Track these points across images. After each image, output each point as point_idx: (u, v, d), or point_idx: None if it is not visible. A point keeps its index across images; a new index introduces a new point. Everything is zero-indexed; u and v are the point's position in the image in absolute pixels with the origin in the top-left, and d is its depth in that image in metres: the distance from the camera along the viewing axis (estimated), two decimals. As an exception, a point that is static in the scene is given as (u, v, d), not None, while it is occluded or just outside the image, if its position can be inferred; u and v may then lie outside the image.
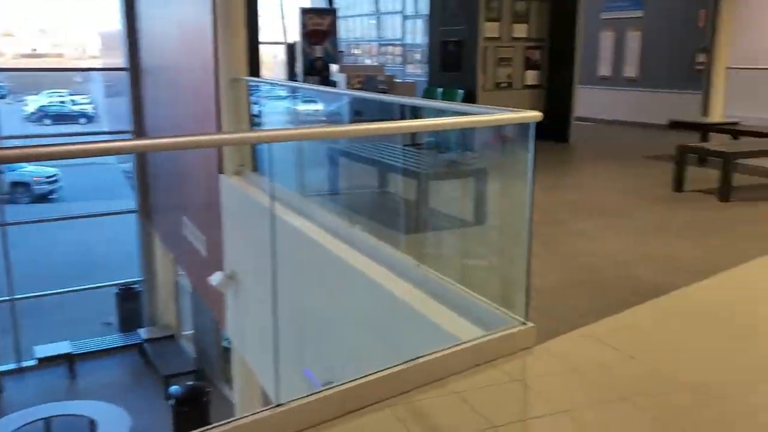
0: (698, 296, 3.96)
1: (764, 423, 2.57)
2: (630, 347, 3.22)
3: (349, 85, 13.38)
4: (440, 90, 10.33)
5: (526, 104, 10.82)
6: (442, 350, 2.91)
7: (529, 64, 10.79)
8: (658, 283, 4.16)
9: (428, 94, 10.46)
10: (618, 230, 5.49)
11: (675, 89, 12.21)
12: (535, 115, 3.10)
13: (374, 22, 21.45)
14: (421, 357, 2.85)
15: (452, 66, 10.28)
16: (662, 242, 5.11)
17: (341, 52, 19.77)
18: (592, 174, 8.26)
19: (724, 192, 6.41)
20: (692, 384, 2.86)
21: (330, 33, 17.21)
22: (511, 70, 10.61)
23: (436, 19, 10.54)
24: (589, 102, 13.67)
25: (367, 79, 13.48)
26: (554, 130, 10.88)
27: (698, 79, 11.83)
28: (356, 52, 22.53)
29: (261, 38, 9.33)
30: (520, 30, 10.60)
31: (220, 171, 7.59)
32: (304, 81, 16.79)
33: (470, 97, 9.85)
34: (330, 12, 17.46)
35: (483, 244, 5.02)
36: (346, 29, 22.03)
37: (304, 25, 16.84)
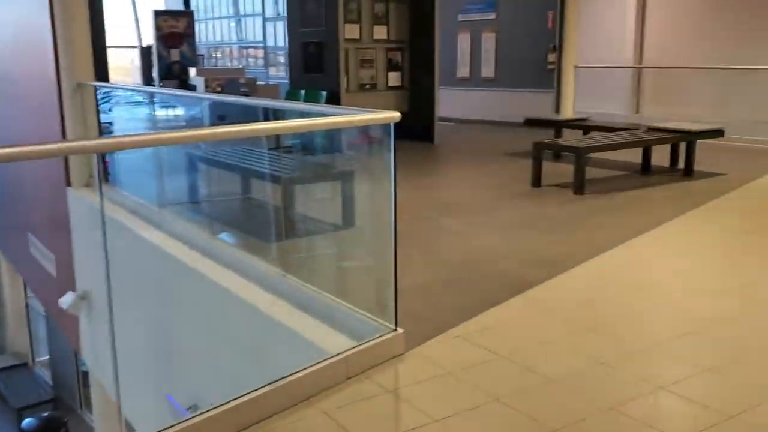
0: (562, 289, 4.04)
1: (633, 414, 2.61)
2: (501, 346, 3.21)
3: (209, 89, 12.92)
4: (303, 92, 10.15)
5: (390, 105, 10.88)
6: (311, 366, 2.76)
7: (392, 66, 10.86)
8: (522, 277, 4.22)
9: (291, 96, 10.26)
10: (484, 227, 5.56)
11: (530, 88, 12.75)
12: (394, 115, 3.01)
13: (234, 24, 20.88)
14: (288, 376, 2.68)
15: (314, 68, 10.14)
16: (525, 237, 5.23)
17: (201, 55, 19.13)
18: (457, 172, 8.40)
19: (579, 185, 6.70)
20: (562, 378, 2.87)
21: (187, 36, 16.58)
22: (373, 71, 10.63)
23: (295, 21, 10.36)
24: (450, 103, 14.00)
25: (227, 82, 13.06)
26: (419, 130, 11.02)
27: (551, 78, 12.42)
28: (217, 55, 21.84)
29: (115, 41, 8.74)
30: (381, 32, 10.64)
31: (68, 183, 7.01)
32: (161, 86, 16.08)
33: (334, 99, 9.76)
34: (186, 14, 16.80)
35: (352, 249, 4.91)
36: (206, 32, 21.32)
37: (158, 28, 16.13)
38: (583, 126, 8.98)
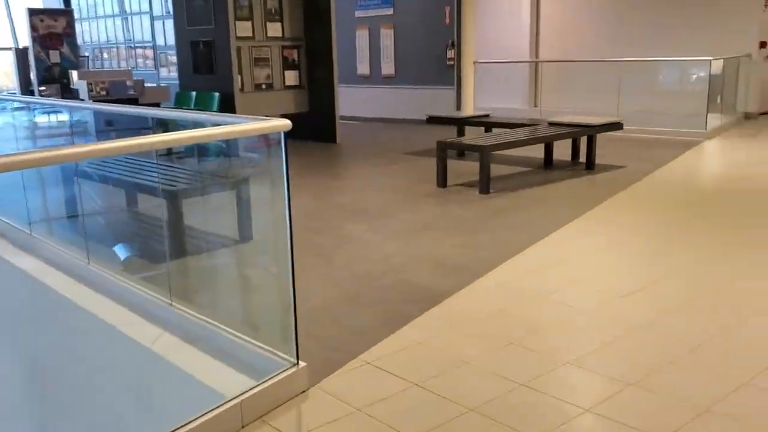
0: (474, 299, 3.82)
1: (556, 441, 2.39)
2: (415, 371, 2.93)
3: (92, 93, 12.08)
4: (194, 94, 9.59)
5: (288, 105, 10.47)
6: (200, 416, 2.38)
7: (288, 64, 10.44)
8: (432, 288, 3.97)
9: (181, 99, 9.67)
10: (389, 232, 5.29)
11: (431, 85, 12.64)
12: (284, 124, 2.67)
13: (121, 23, 19.77)
14: (177, 428, 2.29)
15: (205, 68, 9.59)
16: (432, 241, 4.99)
17: (85, 57, 17.99)
18: (360, 174, 8.11)
19: (484, 185, 6.55)
20: (482, 406, 2.62)
21: (67, 36, 15.51)
22: (269, 70, 10.18)
23: (182, 19, 9.76)
24: (352, 101, 13.73)
25: (112, 85, 12.25)
26: (321, 130, 10.68)
27: (451, 74, 12.36)
28: (105, 56, 20.63)
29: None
30: (275, 29, 10.21)
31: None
32: (40, 90, 14.98)
33: (227, 101, 9.26)
34: (64, 12, 15.72)
35: (249, 267, 4.52)
36: (90, 32, 20.09)
37: (34, 28, 14.99)
38: (485, 123, 8.89)
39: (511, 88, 14.38)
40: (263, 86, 10.14)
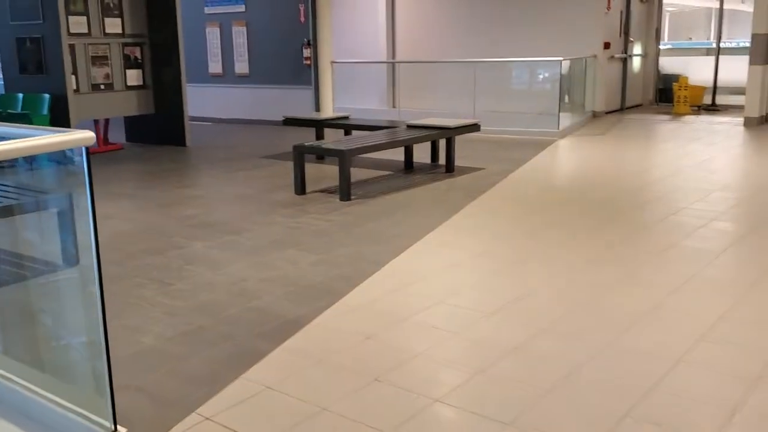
0: (333, 328, 3.45)
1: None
2: (261, 427, 2.51)
3: None
4: (21, 96, 8.56)
5: (131, 107, 9.66)
6: None
7: (130, 63, 9.61)
8: (286, 315, 3.56)
9: (5, 101, 8.61)
10: (240, 250, 4.81)
11: (288, 84, 12.17)
12: (86, 137, 2.16)
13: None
14: None
15: (33, 67, 8.58)
16: (287, 259, 4.58)
17: None
18: (211, 182, 7.53)
19: (344, 191, 6.21)
20: (339, 467, 2.25)
21: None
22: (108, 69, 9.31)
23: (5, 13, 8.68)
24: (203, 101, 12.98)
25: None
26: (168, 133, 9.94)
27: (308, 74, 11.95)
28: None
29: None
30: (114, 25, 9.35)
31: None
32: None
33: (60, 102, 8.33)
34: None
35: (71, 299, 3.89)
36: None
37: None
38: (344, 125, 8.57)
39: (369, 89, 14.20)
40: (102, 86, 9.25)
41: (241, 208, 6.14)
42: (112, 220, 5.84)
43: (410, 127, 7.72)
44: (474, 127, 7.74)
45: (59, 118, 8.32)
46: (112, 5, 9.28)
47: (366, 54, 14.09)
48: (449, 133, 7.43)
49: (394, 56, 14.58)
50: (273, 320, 3.54)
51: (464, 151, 8.55)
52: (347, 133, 8.67)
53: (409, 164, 7.92)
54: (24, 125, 2.30)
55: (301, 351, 3.17)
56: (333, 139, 7.65)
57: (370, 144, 6.61)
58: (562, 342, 3.21)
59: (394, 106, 14.77)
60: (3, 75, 9.04)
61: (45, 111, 8.23)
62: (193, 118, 12.69)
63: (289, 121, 8.85)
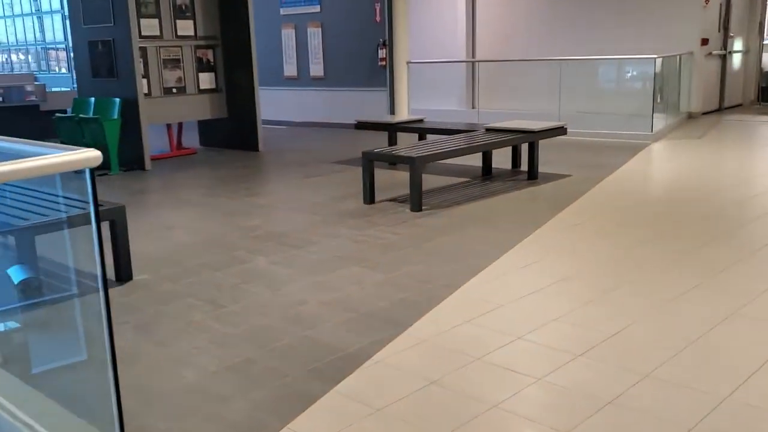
0: (390, 368, 3.01)
1: None
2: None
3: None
4: (93, 100, 8.52)
5: (204, 110, 9.52)
6: None
7: (202, 66, 9.47)
8: (343, 348, 3.15)
9: (78, 106, 8.59)
10: (303, 266, 4.45)
11: (363, 86, 11.83)
12: (91, 156, 1.80)
13: (32, 23, 18.34)
14: None
15: (105, 71, 8.53)
16: (349, 278, 4.18)
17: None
18: (279, 189, 7.24)
19: (416, 201, 5.77)
20: None
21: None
22: (181, 72, 9.19)
23: (78, 16, 8.67)
24: (278, 104, 12.82)
25: (9, 91, 11.04)
26: (241, 138, 9.76)
27: (384, 75, 11.57)
28: (20, 57, 19.13)
29: None
30: (186, 27, 9.22)
31: None
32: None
33: (130, 107, 8.23)
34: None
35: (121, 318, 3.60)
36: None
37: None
38: (418, 129, 8.13)
39: (448, 89, 13.70)
40: (174, 90, 9.14)
41: (308, 217, 5.79)
42: (175, 230, 5.60)
43: (489, 130, 7.20)
44: (559, 131, 7.15)
45: (130, 122, 8.22)
46: (184, 7, 9.15)
47: (444, 53, 13.60)
48: (532, 137, 6.87)
49: (473, 55, 14.03)
50: (328, 354, 3.13)
51: (548, 155, 7.96)
52: (422, 137, 8.22)
53: (487, 170, 7.40)
54: (31, 142, 1.97)
55: (357, 396, 2.75)
56: (406, 144, 7.22)
57: (444, 150, 6.14)
58: (669, 393, 2.66)
59: (473, 107, 14.23)
60: (77, 79, 9.05)
61: (115, 115, 8.15)
62: (268, 122, 12.56)
63: (362, 125, 8.47)
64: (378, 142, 8.66)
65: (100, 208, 4.26)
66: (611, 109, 10.55)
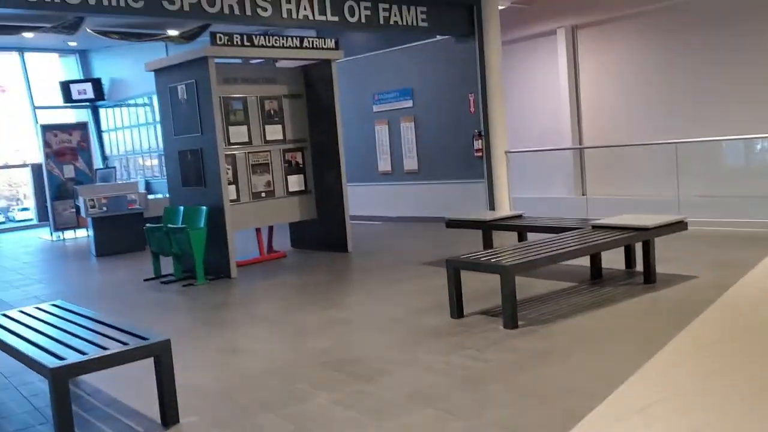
0: None
1: None
2: None
3: (92, 210, 11.14)
4: (182, 209, 8.41)
5: (293, 213, 9.26)
6: None
7: (292, 169, 9.25)
8: None
9: (169, 215, 8.50)
10: (367, 408, 3.76)
11: (458, 179, 11.27)
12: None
13: (147, 131, 19.30)
14: None
15: (194, 179, 8.44)
16: (420, 426, 3.44)
17: (111, 168, 17.41)
18: (361, 299, 6.66)
19: (509, 317, 4.99)
20: None
21: (82, 149, 14.89)
22: (269, 176, 8.99)
23: (169, 127, 8.72)
24: (373, 200, 12.49)
25: (112, 200, 11.32)
26: (331, 238, 9.36)
27: (481, 166, 10.99)
28: (145, 163, 20.07)
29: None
30: (275, 132, 9.08)
31: None
32: (53, 207, 14.26)
33: (217, 214, 8.03)
34: (79, 126, 15.18)
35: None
36: (118, 142, 19.69)
37: (47, 144, 14.42)
38: (516, 227, 7.39)
39: (553, 176, 12.94)
40: (263, 194, 8.92)
41: (385, 336, 5.13)
42: (240, 355, 5.10)
43: (597, 227, 6.36)
44: (679, 226, 6.21)
45: (217, 230, 8.00)
46: (272, 112, 9.04)
47: (547, 140, 12.91)
48: (647, 235, 5.97)
49: (580, 140, 13.25)
50: None
51: (668, 250, 6.97)
52: (521, 236, 7.47)
53: (597, 273, 6.51)
54: None
55: None
56: (502, 244, 6.49)
57: (541, 256, 5.37)
58: None
59: (583, 194, 13.34)
60: (169, 187, 9.04)
61: (202, 224, 7.96)
62: (363, 218, 12.22)
63: (453, 224, 7.84)
64: (472, 241, 7.98)
65: (145, 342, 3.81)
66: (740, 191, 9.40)
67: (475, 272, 5.61)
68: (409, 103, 11.84)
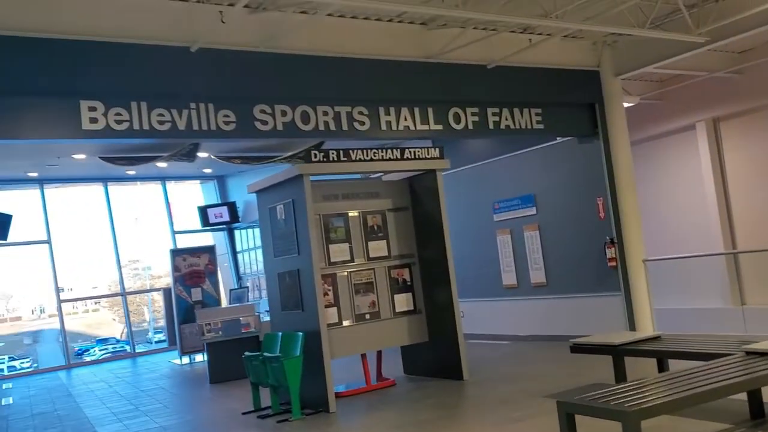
0: None
1: None
2: None
3: (206, 336, 10.98)
4: (280, 335, 7.91)
5: (401, 336, 8.53)
6: None
7: (399, 287, 8.57)
8: None
9: (267, 343, 8.03)
10: None
11: (591, 292, 10.09)
12: None
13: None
14: None
15: (292, 303, 7.97)
16: None
17: (244, 288, 17.64)
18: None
19: (637, 480, 3.85)
20: None
21: (209, 272, 15.15)
22: (373, 296, 8.35)
23: (269, 249, 8.42)
24: (498, 317, 11.51)
25: (226, 324, 11.13)
26: (444, 364, 8.44)
27: (615, 277, 9.77)
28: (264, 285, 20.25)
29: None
30: (379, 248, 8.52)
31: None
32: (180, 329, 14.38)
33: (314, 340, 7.43)
34: (207, 249, 15.54)
35: None
36: (256, 260, 20.11)
37: (176, 268, 14.80)
38: (653, 352, 6.16)
39: (703, 284, 11.37)
40: (367, 316, 8.27)
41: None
42: None
43: (752, 354, 5.08)
44: None
45: (314, 358, 7.38)
46: (376, 228, 8.52)
47: (692, 244, 11.45)
48: (821, 365, 4.63)
49: (733, 243, 11.66)
50: None
51: None
52: (661, 363, 6.22)
53: (757, 410, 5.15)
54: None
55: None
56: (637, 374, 5.34)
57: (677, 396, 4.22)
58: None
59: (743, 303, 11.60)
60: (270, 312, 8.62)
61: (298, 352, 7.37)
62: (487, 337, 11.23)
63: (578, 349, 6.72)
64: (605, 367, 6.79)
65: None
66: None
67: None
68: (532, 210, 10.97)
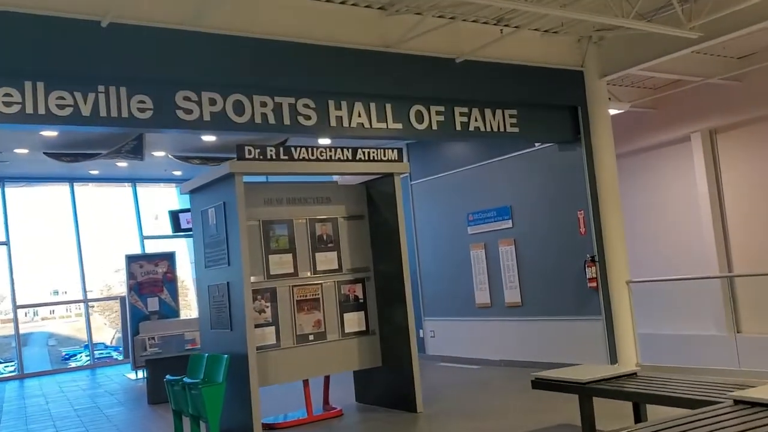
0: None
1: None
2: None
3: (146, 353, 10.01)
4: (206, 356, 6.92)
5: (351, 360, 7.54)
6: None
7: (349, 305, 7.60)
8: None
9: (193, 364, 7.03)
10: None
11: (569, 315, 9.11)
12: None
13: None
14: None
15: (222, 321, 6.99)
16: None
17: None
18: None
19: None
20: None
21: (168, 281, 14.15)
22: (319, 314, 7.38)
23: (200, 256, 7.44)
24: (469, 338, 10.53)
25: (166, 340, 10.14)
26: (398, 393, 7.45)
27: (596, 300, 8.80)
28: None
29: None
30: (328, 261, 7.56)
31: None
32: (133, 341, 13.36)
33: (240, 364, 6.44)
34: (165, 256, 14.52)
35: None
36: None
37: (132, 276, 13.81)
38: (625, 393, 5.16)
39: (693, 309, 10.38)
40: (311, 337, 7.29)
41: None
42: None
43: (739, 403, 4.09)
44: None
45: (243, 385, 6.39)
46: (325, 237, 7.56)
47: (682, 265, 10.51)
48: (830, 424, 3.64)
49: (729, 266, 10.71)
50: None
51: None
52: (638, 411, 5.22)
53: (750, 474, 4.15)
54: None
55: None
56: (612, 418, 4.35)
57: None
58: None
59: (738, 331, 10.60)
60: (200, 330, 7.64)
61: (220, 378, 6.38)
62: (457, 360, 10.29)
63: (540, 384, 5.73)
64: (575, 403, 5.80)
65: None
66: None
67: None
68: (508, 224, 10.01)
